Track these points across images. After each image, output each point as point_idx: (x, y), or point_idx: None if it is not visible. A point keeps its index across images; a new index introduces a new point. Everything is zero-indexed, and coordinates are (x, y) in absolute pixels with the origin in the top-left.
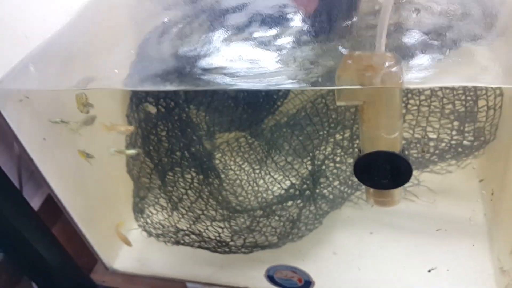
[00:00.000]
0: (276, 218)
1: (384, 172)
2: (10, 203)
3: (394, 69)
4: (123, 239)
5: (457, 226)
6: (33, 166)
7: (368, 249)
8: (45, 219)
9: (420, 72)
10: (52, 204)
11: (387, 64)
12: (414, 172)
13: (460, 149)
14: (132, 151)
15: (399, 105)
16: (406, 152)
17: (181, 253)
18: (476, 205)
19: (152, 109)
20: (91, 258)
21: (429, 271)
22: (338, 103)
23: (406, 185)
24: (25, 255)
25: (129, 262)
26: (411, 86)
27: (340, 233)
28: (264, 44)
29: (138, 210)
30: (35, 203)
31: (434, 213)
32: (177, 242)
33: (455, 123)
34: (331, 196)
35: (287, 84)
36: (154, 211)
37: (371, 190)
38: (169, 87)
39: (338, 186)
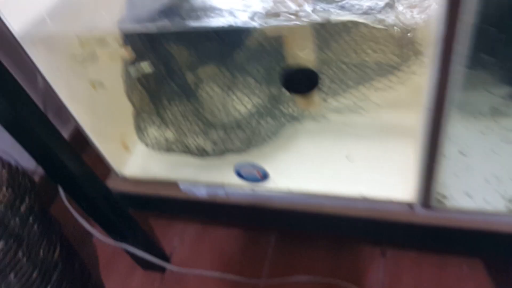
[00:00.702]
0: (241, 129)
1: (301, 81)
2: (43, 127)
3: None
4: (125, 145)
5: (395, 131)
6: (55, 96)
7: (317, 151)
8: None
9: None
10: (76, 137)
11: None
12: (363, 89)
13: (387, 67)
14: (145, 66)
15: (310, 33)
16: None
17: (173, 161)
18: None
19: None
20: (106, 169)
21: (347, 157)
22: (269, 35)
23: (356, 100)
24: (57, 169)
25: (135, 170)
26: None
27: (297, 140)
28: None
29: (138, 127)
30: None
31: (378, 122)
32: (168, 150)
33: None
34: (287, 111)
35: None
36: (150, 127)
37: (298, 97)
38: (150, 28)
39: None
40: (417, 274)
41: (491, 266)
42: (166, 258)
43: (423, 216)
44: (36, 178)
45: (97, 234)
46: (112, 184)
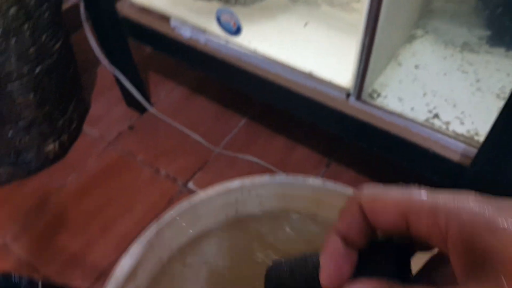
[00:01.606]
0: None
1: None
2: None
3: None
4: None
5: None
6: None
7: (292, 28)
8: None
9: None
10: None
11: None
12: None
13: None
14: None
15: None
16: None
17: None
18: None
19: None
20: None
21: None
22: None
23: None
24: None
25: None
26: None
27: (281, 15)
28: None
29: None
30: None
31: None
32: None
33: None
34: None
35: None
36: None
37: None
38: None
39: None
40: None
41: None
42: (149, 103)
43: (354, 107)
44: (67, 6)
45: (102, 59)
46: (120, 7)
